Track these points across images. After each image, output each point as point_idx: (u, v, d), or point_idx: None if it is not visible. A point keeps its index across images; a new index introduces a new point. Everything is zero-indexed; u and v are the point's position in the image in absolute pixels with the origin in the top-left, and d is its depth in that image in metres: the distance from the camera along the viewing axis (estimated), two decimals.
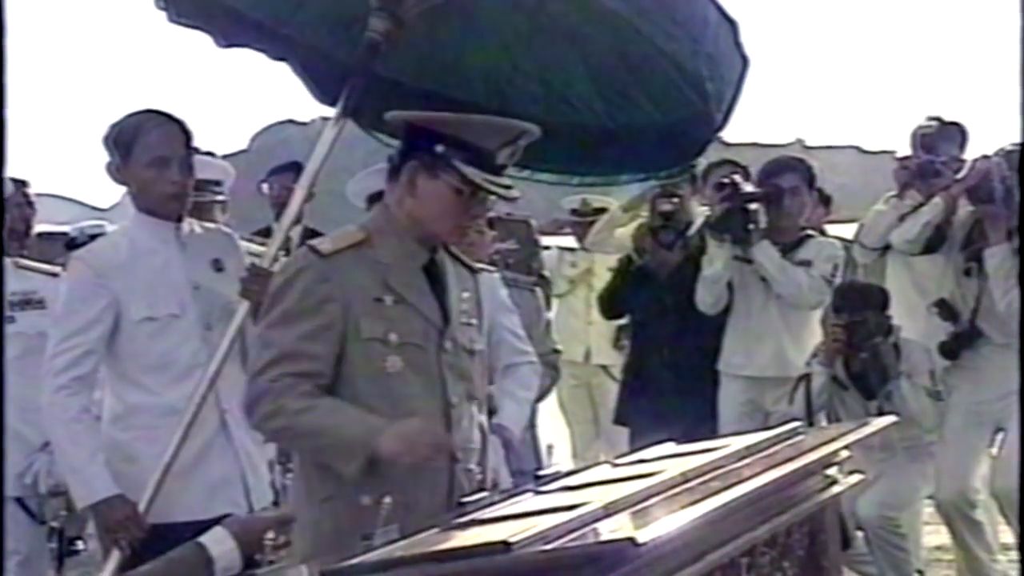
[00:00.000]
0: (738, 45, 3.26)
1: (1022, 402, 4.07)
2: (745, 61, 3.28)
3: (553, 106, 3.33)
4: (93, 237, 5.24)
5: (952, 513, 4.59)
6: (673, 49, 3.21)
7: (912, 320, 4.81)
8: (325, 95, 3.37)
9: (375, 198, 4.01)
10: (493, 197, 2.57)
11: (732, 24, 3.22)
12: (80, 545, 4.29)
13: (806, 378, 4.50)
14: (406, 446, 2.32)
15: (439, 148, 2.46)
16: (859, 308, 4.47)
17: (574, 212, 6.15)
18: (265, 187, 5.59)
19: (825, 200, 5.09)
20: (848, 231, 5.30)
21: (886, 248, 5.05)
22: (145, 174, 3.09)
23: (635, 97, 3.31)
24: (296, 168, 5.61)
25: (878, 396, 4.48)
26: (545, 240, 6.45)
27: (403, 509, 2.23)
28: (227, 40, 3.36)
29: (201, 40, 3.31)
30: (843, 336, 4.44)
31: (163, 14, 3.32)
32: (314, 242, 2.46)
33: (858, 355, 4.46)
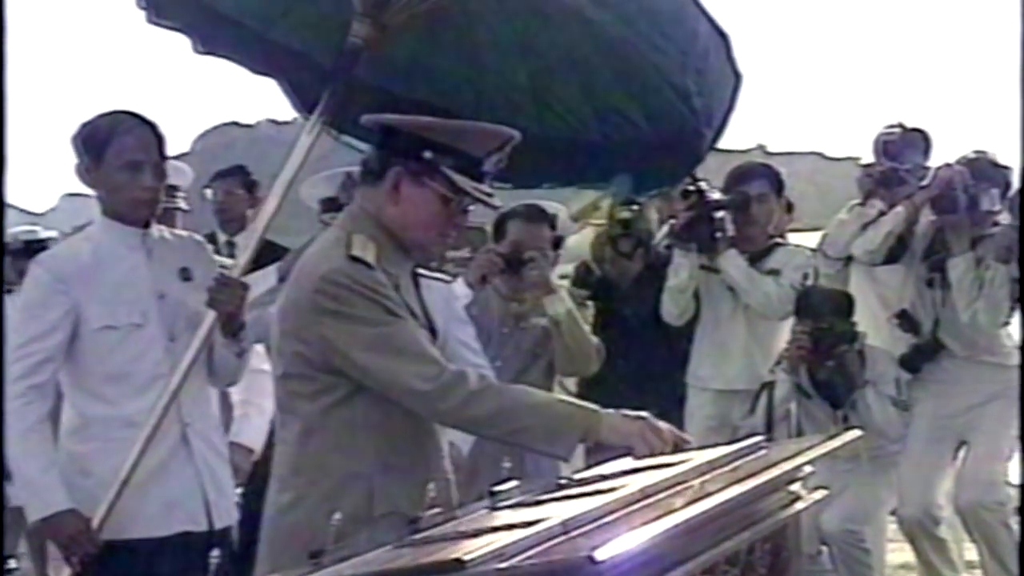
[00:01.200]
0: (731, 60, 3.27)
1: (1022, 409, 4.04)
2: (738, 77, 3.28)
3: (544, 119, 3.31)
4: (28, 244, 5.15)
5: (915, 530, 4.56)
6: (662, 62, 3.20)
7: (876, 331, 4.79)
8: (305, 104, 3.32)
9: (327, 204, 4.02)
10: (475, 206, 2.55)
11: (724, 38, 3.23)
12: (13, 564, 4.20)
13: (769, 386, 4.45)
14: (637, 436, 2.34)
15: (427, 154, 2.43)
16: (824, 314, 4.41)
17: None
18: (208, 192, 5.50)
19: (787, 207, 5.07)
20: (810, 239, 5.27)
21: (849, 259, 5.03)
22: (117, 178, 3.04)
23: (627, 111, 3.30)
24: (241, 172, 5.57)
25: (843, 405, 4.43)
26: None
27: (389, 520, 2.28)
28: (206, 46, 3.31)
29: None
30: (808, 343, 4.38)
31: (141, 14, 3.27)
32: (356, 254, 2.43)
33: (823, 363, 4.40)
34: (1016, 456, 4.51)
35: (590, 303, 4.19)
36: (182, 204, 4.77)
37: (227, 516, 3.17)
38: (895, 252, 4.73)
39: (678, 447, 2.40)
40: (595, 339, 4.02)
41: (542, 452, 2.49)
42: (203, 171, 5.60)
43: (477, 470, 3.50)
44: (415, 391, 2.36)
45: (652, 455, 2.36)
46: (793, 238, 4.94)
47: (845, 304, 4.52)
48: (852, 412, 4.43)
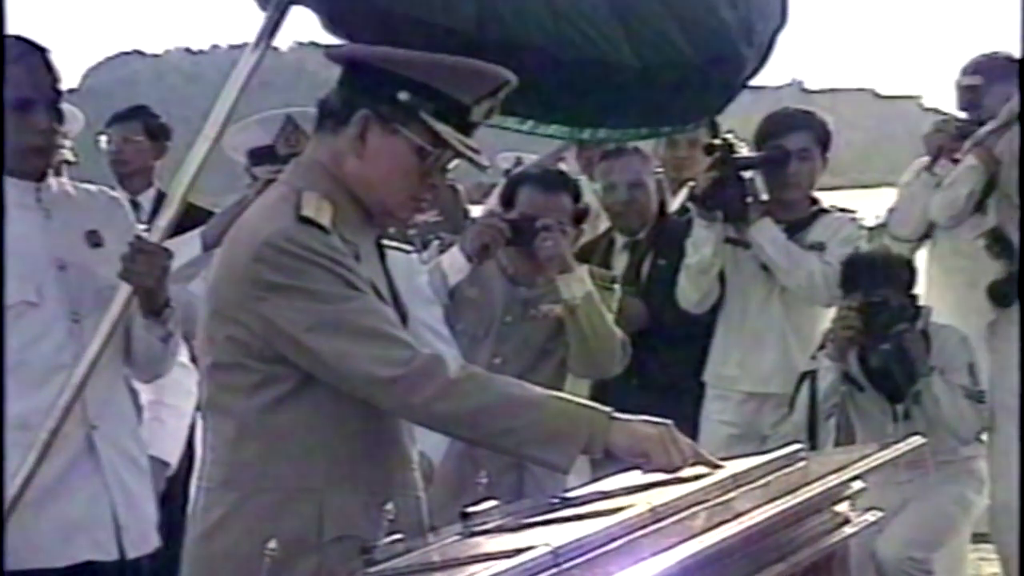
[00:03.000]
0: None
1: (1022, 402, 4.01)
2: (784, 16, 3.33)
3: (566, 38, 3.25)
4: None
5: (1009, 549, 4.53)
6: None
7: (963, 320, 4.73)
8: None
9: (259, 155, 3.97)
10: (456, 163, 2.53)
11: None
12: None
13: (810, 377, 4.38)
14: (656, 444, 2.32)
15: (403, 96, 2.42)
16: (878, 285, 4.33)
17: (508, 175, 6.08)
18: (103, 139, 5.41)
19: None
20: (858, 201, 5.23)
21: (925, 235, 5.00)
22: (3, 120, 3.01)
23: (666, 30, 3.29)
24: (145, 114, 5.48)
25: (904, 398, 4.36)
26: (475, 211, 6.37)
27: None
28: None
29: None
30: (858, 322, 4.30)
31: None
32: (307, 214, 2.41)
33: (878, 346, 4.32)
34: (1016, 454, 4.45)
35: (616, 287, 4.12)
36: (68, 155, 4.69)
37: (143, 543, 3.15)
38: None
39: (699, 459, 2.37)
40: (620, 332, 3.96)
41: (535, 460, 2.46)
42: (96, 113, 5.49)
43: (456, 485, 3.47)
44: (379, 379, 2.34)
45: (668, 471, 2.34)
46: (832, 199, 4.87)
47: (904, 272, 4.44)
48: (915, 406, 4.35)
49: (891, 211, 5.16)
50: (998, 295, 4.63)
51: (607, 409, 2.39)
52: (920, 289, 4.53)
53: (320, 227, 2.40)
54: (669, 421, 2.38)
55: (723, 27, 3.30)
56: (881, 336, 4.30)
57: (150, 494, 3.26)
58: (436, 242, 4.44)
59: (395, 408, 2.40)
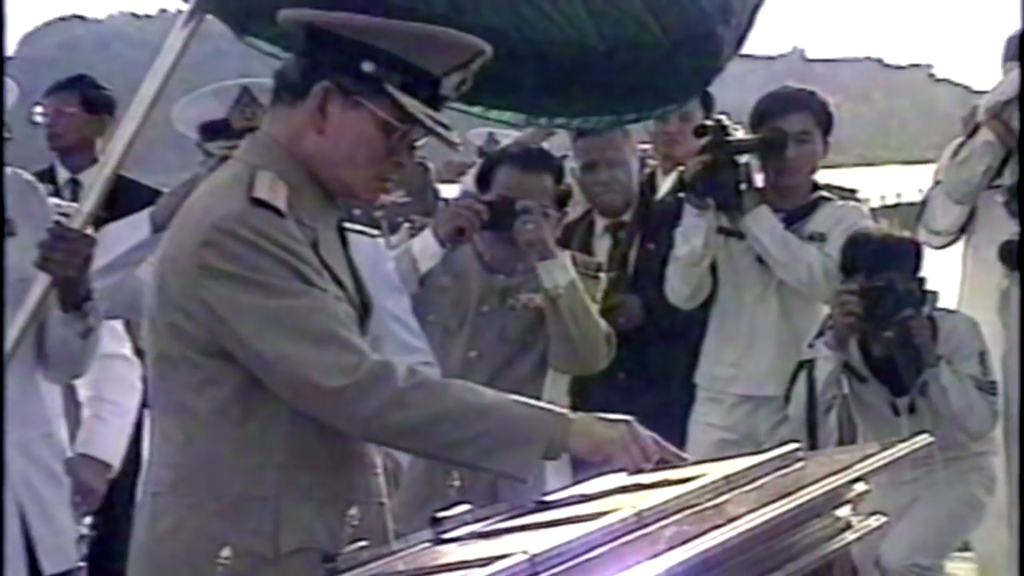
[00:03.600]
0: None
1: (1022, 404, 4.01)
2: None
3: (524, 17, 3.27)
4: None
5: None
6: None
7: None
8: None
9: (212, 129, 3.94)
10: (425, 140, 2.53)
11: None
12: None
13: (807, 367, 4.37)
14: (617, 446, 2.37)
15: (367, 66, 2.41)
16: (881, 267, 4.30)
17: (482, 153, 6.06)
18: (39, 111, 5.34)
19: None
20: (863, 180, 5.21)
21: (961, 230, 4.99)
22: None
23: (633, 9, 3.28)
24: (85, 84, 5.42)
25: (910, 390, 4.34)
26: (446, 191, 6.34)
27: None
28: None
29: None
30: (859, 307, 4.27)
31: None
32: (260, 195, 2.39)
33: (881, 333, 4.30)
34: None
35: (600, 275, 4.10)
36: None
37: (61, 558, 3.14)
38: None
39: (666, 466, 2.39)
40: (605, 325, 3.95)
41: (491, 471, 2.46)
42: (34, 83, 5.37)
43: (423, 490, 3.47)
44: (323, 389, 2.33)
45: (632, 471, 2.36)
46: (835, 178, 4.86)
47: (909, 253, 4.42)
48: (921, 399, 4.32)
49: (923, 204, 5.14)
50: (1009, 257, 4.62)
51: (564, 411, 2.42)
52: (954, 283, 4.51)
53: (274, 210, 2.38)
54: (630, 418, 2.41)
55: (695, 5, 3.27)
56: (884, 322, 4.27)
57: (66, 505, 3.24)
58: (406, 225, 4.42)
59: (340, 421, 2.38)
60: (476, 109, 3.33)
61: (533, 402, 2.48)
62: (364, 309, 2.54)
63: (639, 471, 2.36)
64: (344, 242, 2.57)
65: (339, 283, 2.47)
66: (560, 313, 3.81)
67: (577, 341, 3.84)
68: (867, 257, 4.33)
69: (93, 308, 3.12)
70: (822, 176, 4.73)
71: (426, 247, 3.90)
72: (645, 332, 4.64)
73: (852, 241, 4.39)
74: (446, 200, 6.05)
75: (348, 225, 2.68)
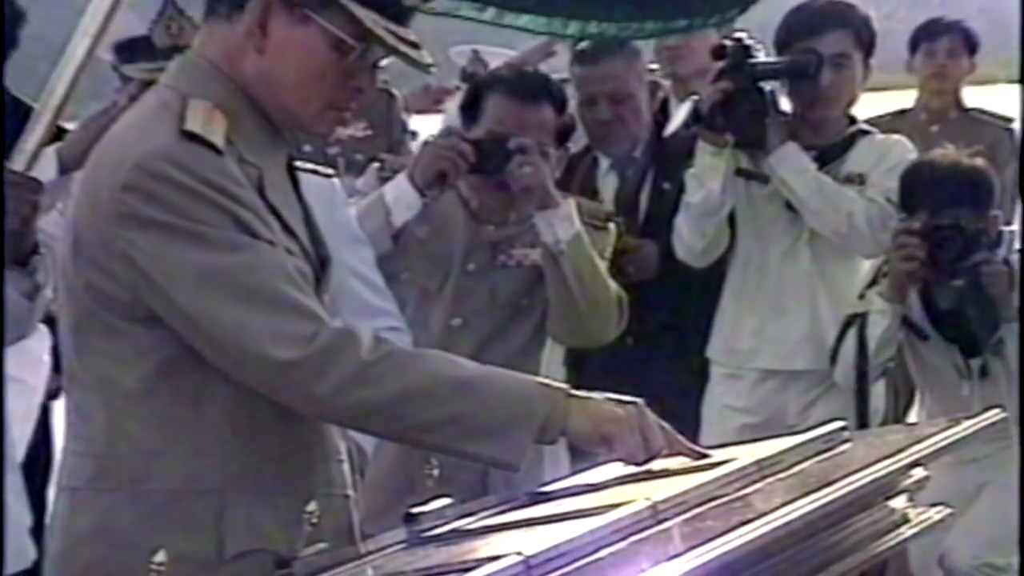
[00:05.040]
0: None
1: (1021, 404, 4.04)
2: None
3: None
4: None
5: None
6: None
7: None
8: None
9: (131, 49, 3.91)
10: (388, 61, 2.55)
11: None
12: None
13: (859, 321, 4.37)
14: (620, 431, 2.38)
15: None
16: (947, 203, 4.28)
17: (466, 77, 6.05)
18: None
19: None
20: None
21: None
22: None
23: None
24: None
25: (981, 350, 4.33)
26: (416, 122, 6.32)
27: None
28: None
29: None
30: (921, 251, 4.27)
31: None
32: (193, 128, 2.40)
33: (947, 282, 4.30)
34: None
35: (611, 226, 4.06)
36: None
37: (18, 557, 3.19)
38: None
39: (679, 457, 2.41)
40: (616, 287, 3.91)
41: (475, 458, 2.46)
42: None
43: (397, 480, 3.48)
44: (272, 361, 2.34)
45: (634, 463, 2.38)
46: (882, 105, 4.87)
47: (981, 186, 4.38)
48: (995, 360, 4.30)
49: None
50: None
51: (562, 386, 2.43)
52: None
53: (209, 146, 2.39)
54: (639, 400, 2.43)
55: None
56: (952, 269, 4.28)
57: (21, 495, 3.29)
58: (374, 167, 4.39)
59: (293, 399, 2.40)
60: (488, 13, 3.31)
61: (525, 376, 2.50)
62: (321, 264, 2.55)
63: (645, 463, 2.38)
64: (295, 184, 2.59)
65: (291, 233, 2.47)
66: (562, 273, 3.80)
67: (582, 307, 3.83)
68: (930, 191, 4.33)
69: (40, 264, 3.14)
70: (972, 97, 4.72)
71: (401, 196, 3.87)
72: (660, 287, 4.65)
73: (913, 171, 4.40)
74: (414, 133, 6.04)
75: (299, 164, 2.69)
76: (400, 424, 2.41)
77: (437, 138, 4.02)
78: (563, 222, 3.83)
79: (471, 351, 3.45)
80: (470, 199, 3.96)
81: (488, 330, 3.82)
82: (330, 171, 3.68)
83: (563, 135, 3.96)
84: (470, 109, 3.98)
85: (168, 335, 2.40)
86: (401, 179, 3.89)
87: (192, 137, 2.39)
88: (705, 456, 2.42)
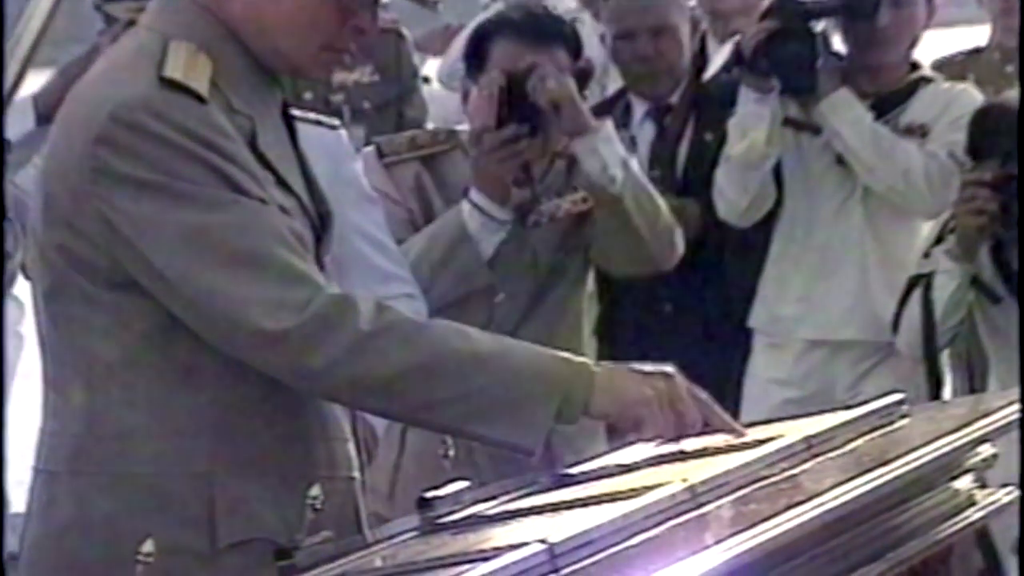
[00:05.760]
0: None
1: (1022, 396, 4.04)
2: None
3: None
4: None
5: None
6: None
7: None
8: None
9: None
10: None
11: None
12: None
13: (923, 283, 4.37)
14: (648, 406, 2.37)
15: None
16: (1021, 150, 4.25)
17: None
18: None
19: None
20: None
21: None
22: None
23: None
24: None
25: None
26: (429, 65, 6.31)
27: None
28: None
29: None
30: (993, 203, 4.27)
31: None
32: (173, 75, 2.40)
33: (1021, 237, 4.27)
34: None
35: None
36: None
37: None
38: None
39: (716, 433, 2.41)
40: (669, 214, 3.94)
41: (486, 440, 2.47)
42: None
43: (407, 462, 3.50)
44: (262, 332, 2.34)
45: (666, 439, 2.38)
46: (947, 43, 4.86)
47: None
48: None
49: None
50: None
51: (584, 360, 2.43)
52: None
53: (192, 93, 2.40)
54: (671, 369, 2.42)
55: None
56: None
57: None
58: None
59: (283, 373, 2.40)
60: None
61: (543, 349, 2.49)
62: (322, 223, 2.55)
63: (679, 439, 2.38)
64: (292, 133, 2.58)
65: (286, 188, 2.48)
66: (619, 205, 3.78)
67: (646, 236, 3.84)
68: (1003, 137, 4.30)
69: (9, 229, 3.17)
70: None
71: (485, 218, 3.81)
72: (702, 249, 4.64)
73: (983, 115, 4.38)
74: (426, 79, 5.99)
75: (298, 114, 2.68)
76: (402, 402, 2.42)
77: (474, 146, 3.93)
78: (606, 145, 3.82)
79: (514, 324, 3.47)
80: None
81: (528, 299, 3.83)
82: (335, 122, 3.68)
83: (580, 82, 3.95)
84: (475, 55, 3.97)
85: (150, 303, 2.40)
86: (475, 199, 3.83)
87: (172, 84, 2.39)
88: (743, 433, 2.41)
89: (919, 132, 4.60)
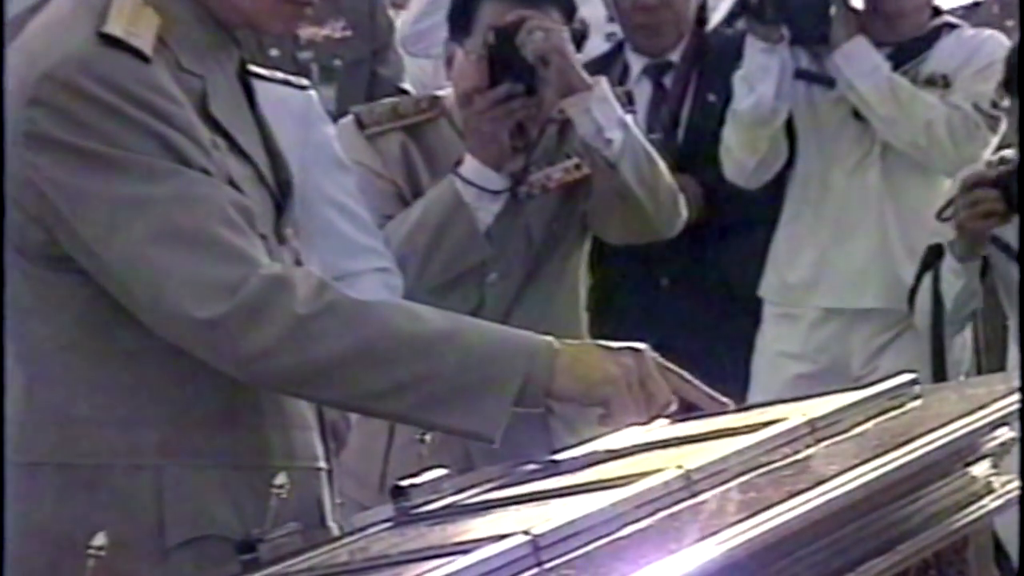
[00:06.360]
0: None
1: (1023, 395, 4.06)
2: None
3: None
4: None
5: None
6: None
7: None
8: None
9: None
10: None
11: None
12: None
13: (932, 271, 4.39)
14: (614, 385, 2.37)
15: None
16: None
17: None
18: None
19: None
20: None
21: None
22: None
23: None
24: None
25: None
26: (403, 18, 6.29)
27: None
28: None
29: None
30: (1000, 203, 4.26)
31: None
32: (113, 31, 2.38)
33: None
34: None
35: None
36: None
37: None
38: None
39: (691, 411, 2.42)
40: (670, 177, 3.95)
41: (440, 428, 2.45)
42: None
43: (397, 451, 3.53)
44: (192, 317, 2.33)
45: (639, 421, 2.38)
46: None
47: None
48: None
49: None
50: None
51: (546, 338, 2.41)
52: None
53: (134, 52, 2.38)
54: (643, 345, 2.42)
55: None
56: None
57: None
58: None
59: (218, 360, 2.39)
60: None
61: (501, 328, 2.50)
62: (282, 192, 2.55)
63: (649, 422, 2.38)
64: (249, 96, 2.58)
65: (242, 154, 2.47)
66: (616, 172, 3.79)
67: (646, 204, 3.85)
68: None
69: None
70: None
71: (482, 185, 3.83)
72: (705, 225, 4.65)
73: (1019, 51, 4.34)
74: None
75: (264, 73, 2.68)
76: (345, 390, 2.42)
77: (465, 108, 3.92)
78: (601, 105, 3.82)
79: (507, 305, 3.48)
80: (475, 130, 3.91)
81: (522, 276, 3.84)
82: (304, 82, 3.67)
83: (575, 45, 3.94)
84: (461, 17, 3.96)
85: (88, 282, 2.39)
86: (470, 166, 3.85)
87: (113, 41, 2.38)
88: (726, 405, 2.42)
89: (941, 83, 4.62)
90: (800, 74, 4.64)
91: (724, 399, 2.45)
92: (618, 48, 4.90)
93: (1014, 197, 4.26)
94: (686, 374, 2.44)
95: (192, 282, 2.33)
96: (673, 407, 2.40)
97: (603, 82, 3.89)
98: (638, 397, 2.38)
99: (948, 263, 4.39)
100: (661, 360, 2.42)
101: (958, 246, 4.37)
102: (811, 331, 4.68)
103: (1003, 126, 4.57)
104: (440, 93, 4.02)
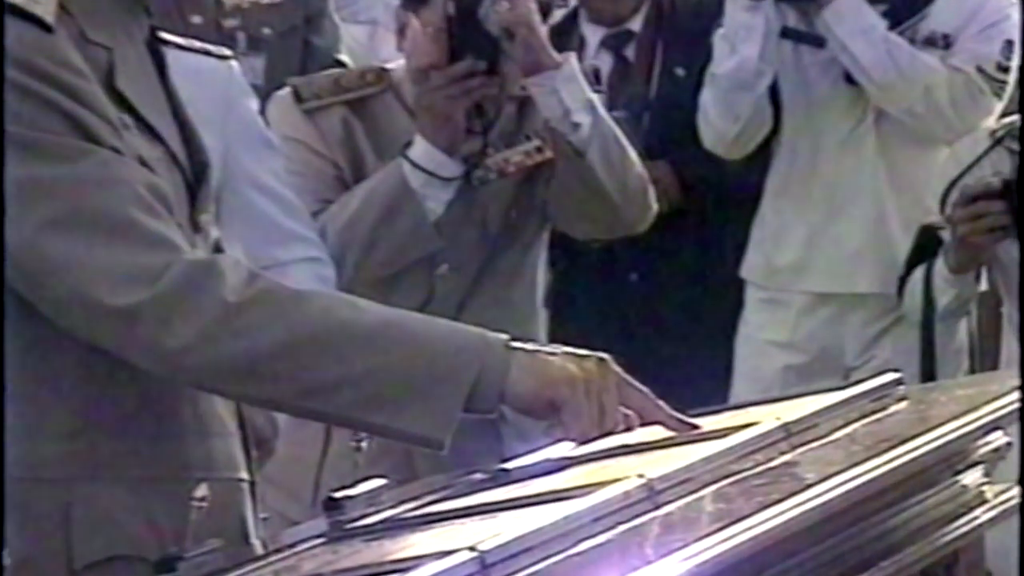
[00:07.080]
0: None
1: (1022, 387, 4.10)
2: None
3: None
4: None
5: None
6: None
7: None
8: None
9: None
10: None
11: None
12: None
13: (925, 266, 4.42)
14: (575, 396, 2.37)
15: None
16: None
17: None
18: None
19: None
20: None
21: None
22: None
23: None
24: None
25: None
26: None
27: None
28: None
29: None
30: (1005, 216, 4.26)
31: None
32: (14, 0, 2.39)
33: None
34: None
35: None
36: None
37: None
38: None
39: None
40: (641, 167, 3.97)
41: (383, 432, 2.45)
42: None
43: (332, 461, 3.56)
44: (107, 308, 2.34)
45: (586, 437, 2.38)
46: None
47: None
48: None
49: None
50: None
51: (500, 336, 2.41)
52: None
53: (36, 21, 2.39)
54: (606, 356, 2.41)
55: None
56: None
57: None
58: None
59: (137, 355, 2.39)
60: None
61: (450, 323, 2.50)
62: (197, 175, 2.56)
63: (600, 437, 2.38)
64: (160, 66, 2.58)
65: (152, 132, 2.48)
66: (583, 159, 3.81)
67: (615, 196, 3.87)
68: None
69: None
70: None
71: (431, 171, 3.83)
72: (679, 216, 4.67)
73: None
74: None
75: (181, 42, 2.68)
76: (277, 388, 2.41)
77: (419, 84, 3.91)
78: (569, 85, 3.83)
79: (459, 299, 3.51)
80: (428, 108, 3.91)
81: (477, 268, 3.85)
82: (226, 52, 3.67)
83: (543, 11, 3.94)
84: None
85: None
86: (421, 149, 3.85)
87: (12, 9, 2.39)
88: (693, 428, 2.41)
89: (941, 43, 4.63)
90: (787, 33, 4.65)
91: (693, 421, 2.43)
92: (572, 17, 4.89)
93: (1014, 203, 4.28)
94: (649, 393, 2.43)
95: (107, 269, 2.34)
96: (619, 429, 2.38)
97: (572, 59, 3.91)
98: (594, 406, 2.37)
99: (941, 269, 4.42)
100: (626, 376, 2.42)
101: (953, 257, 4.40)
102: (800, 318, 4.71)
103: (1008, 90, 4.59)
104: (389, 66, 4.01)
